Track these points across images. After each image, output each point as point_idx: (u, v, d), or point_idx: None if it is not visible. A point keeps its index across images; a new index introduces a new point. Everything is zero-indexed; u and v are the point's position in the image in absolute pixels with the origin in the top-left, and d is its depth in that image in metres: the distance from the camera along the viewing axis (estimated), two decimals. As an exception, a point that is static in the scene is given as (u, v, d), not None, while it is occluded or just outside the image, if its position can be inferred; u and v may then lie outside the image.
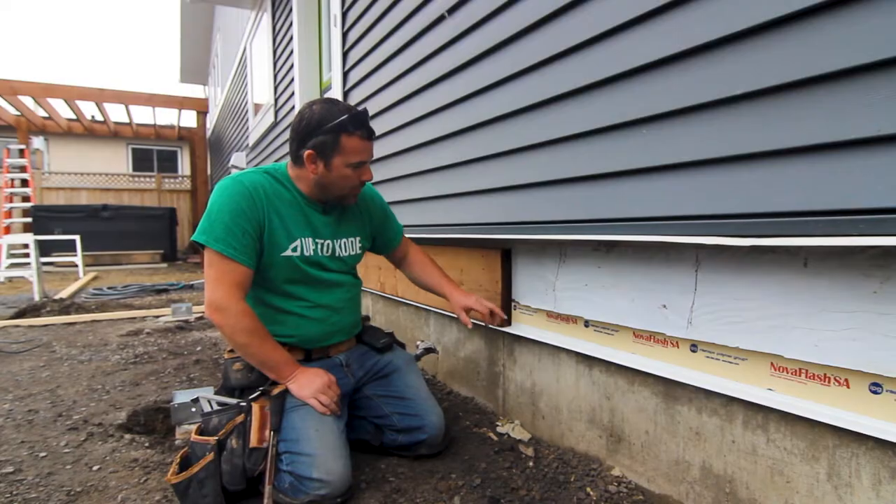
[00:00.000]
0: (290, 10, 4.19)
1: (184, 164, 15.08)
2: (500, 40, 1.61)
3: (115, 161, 14.59)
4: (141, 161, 15.17)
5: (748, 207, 0.98)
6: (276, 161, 4.53)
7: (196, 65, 11.54)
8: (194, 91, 13.10)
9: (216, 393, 1.51)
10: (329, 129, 1.38)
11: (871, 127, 0.80)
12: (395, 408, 1.55)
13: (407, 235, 1.87)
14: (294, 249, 1.46)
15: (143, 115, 12.06)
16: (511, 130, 1.62)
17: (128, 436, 1.73)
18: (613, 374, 1.41)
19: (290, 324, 1.49)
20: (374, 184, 2.37)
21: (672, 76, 1.11)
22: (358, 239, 1.64)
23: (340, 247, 1.57)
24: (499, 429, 1.75)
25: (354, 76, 2.90)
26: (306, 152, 1.40)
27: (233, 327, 1.33)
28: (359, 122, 1.40)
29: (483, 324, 1.75)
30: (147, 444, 1.67)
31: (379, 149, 2.60)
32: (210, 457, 1.24)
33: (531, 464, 1.50)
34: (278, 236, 1.43)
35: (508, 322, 1.78)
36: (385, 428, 1.55)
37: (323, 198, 1.51)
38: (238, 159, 6.18)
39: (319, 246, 1.51)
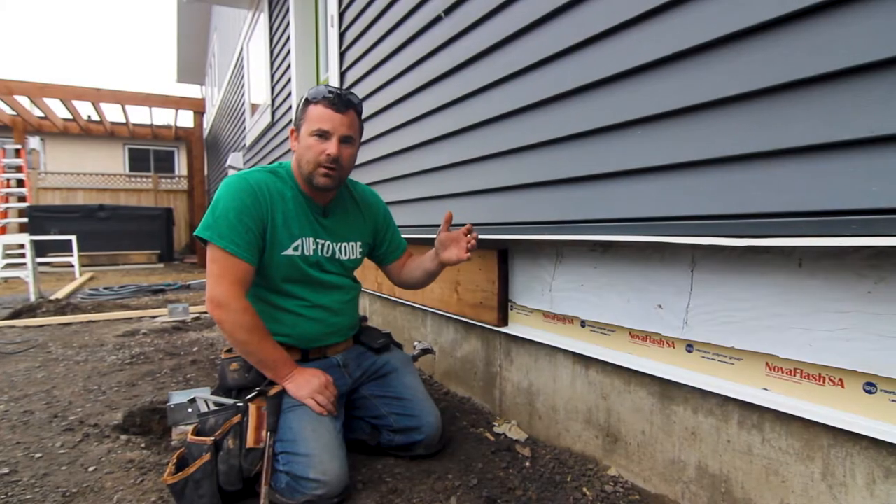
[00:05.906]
0: (287, 10, 4.19)
1: (181, 165, 15.04)
2: (496, 41, 1.62)
3: (111, 161, 14.55)
4: (137, 161, 15.13)
5: (743, 208, 0.99)
6: (273, 161, 4.54)
7: (193, 65, 11.51)
8: (191, 91, 13.09)
9: (213, 393, 1.50)
10: (302, 102, 1.46)
11: (864, 128, 0.80)
12: (392, 408, 1.55)
13: (404, 235, 1.86)
14: (295, 248, 1.46)
15: (139, 115, 11.97)
16: (507, 131, 1.62)
17: (124, 437, 1.73)
18: (610, 374, 1.41)
19: (288, 322, 1.49)
20: (370, 184, 2.37)
21: (666, 78, 1.11)
22: (359, 244, 1.64)
23: (340, 250, 1.57)
24: (496, 429, 1.75)
25: (351, 76, 2.90)
26: (290, 130, 1.51)
27: (233, 324, 1.33)
28: (326, 91, 1.43)
29: (477, 323, 1.72)
30: (143, 445, 1.67)
31: (376, 149, 2.60)
32: (206, 457, 1.23)
33: (528, 464, 1.50)
34: (280, 234, 1.44)
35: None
36: (382, 428, 1.55)
37: (306, 182, 1.48)
38: (235, 159, 6.16)
39: (320, 246, 1.52)
